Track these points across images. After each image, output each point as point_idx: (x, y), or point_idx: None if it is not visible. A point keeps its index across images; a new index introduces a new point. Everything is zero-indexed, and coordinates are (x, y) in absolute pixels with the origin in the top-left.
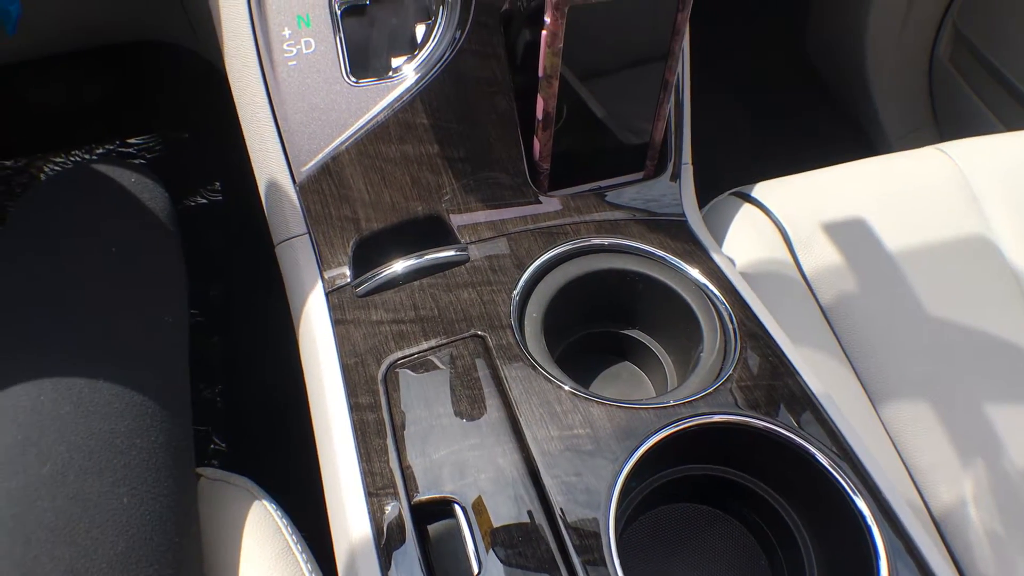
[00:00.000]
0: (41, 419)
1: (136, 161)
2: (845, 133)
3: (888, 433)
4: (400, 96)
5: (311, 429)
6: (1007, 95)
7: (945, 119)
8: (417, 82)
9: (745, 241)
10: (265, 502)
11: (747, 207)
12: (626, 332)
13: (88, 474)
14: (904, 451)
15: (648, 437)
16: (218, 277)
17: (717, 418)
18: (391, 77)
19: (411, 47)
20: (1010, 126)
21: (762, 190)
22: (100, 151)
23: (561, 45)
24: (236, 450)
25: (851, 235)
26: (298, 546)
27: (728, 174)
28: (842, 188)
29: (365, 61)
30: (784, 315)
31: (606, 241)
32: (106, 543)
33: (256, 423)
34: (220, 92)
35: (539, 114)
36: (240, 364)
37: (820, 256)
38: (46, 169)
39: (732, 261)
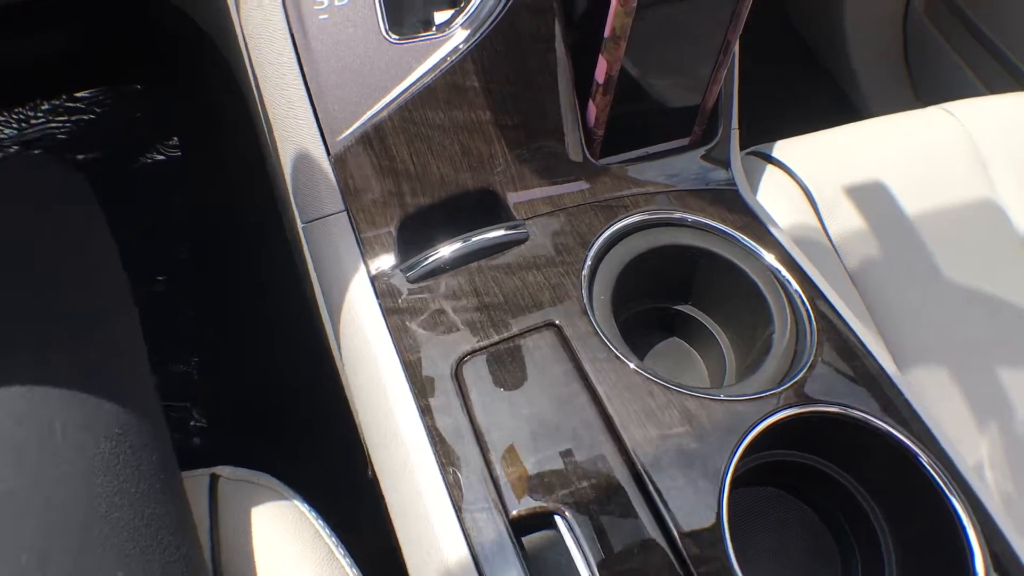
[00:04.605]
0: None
1: (35, 152)
2: (825, 92)
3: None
4: (448, 55)
5: (339, 426)
6: (981, 47)
7: (920, 73)
8: (467, 40)
9: (773, 204)
10: (296, 502)
11: (771, 169)
12: (678, 308)
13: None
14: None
15: (748, 432)
16: (185, 237)
17: (825, 408)
18: (437, 35)
19: (453, 1)
20: (983, 78)
21: (781, 150)
22: (46, 107)
23: (635, 4)
24: (240, 447)
25: (871, 199)
26: (340, 549)
27: None
28: (859, 148)
29: (402, 15)
30: None
31: (674, 214)
32: None
33: (251, 413)
34: (180, 41)
35: (600, 77)
36: (222, 338)
37: (845, 220)
38: None
39: None
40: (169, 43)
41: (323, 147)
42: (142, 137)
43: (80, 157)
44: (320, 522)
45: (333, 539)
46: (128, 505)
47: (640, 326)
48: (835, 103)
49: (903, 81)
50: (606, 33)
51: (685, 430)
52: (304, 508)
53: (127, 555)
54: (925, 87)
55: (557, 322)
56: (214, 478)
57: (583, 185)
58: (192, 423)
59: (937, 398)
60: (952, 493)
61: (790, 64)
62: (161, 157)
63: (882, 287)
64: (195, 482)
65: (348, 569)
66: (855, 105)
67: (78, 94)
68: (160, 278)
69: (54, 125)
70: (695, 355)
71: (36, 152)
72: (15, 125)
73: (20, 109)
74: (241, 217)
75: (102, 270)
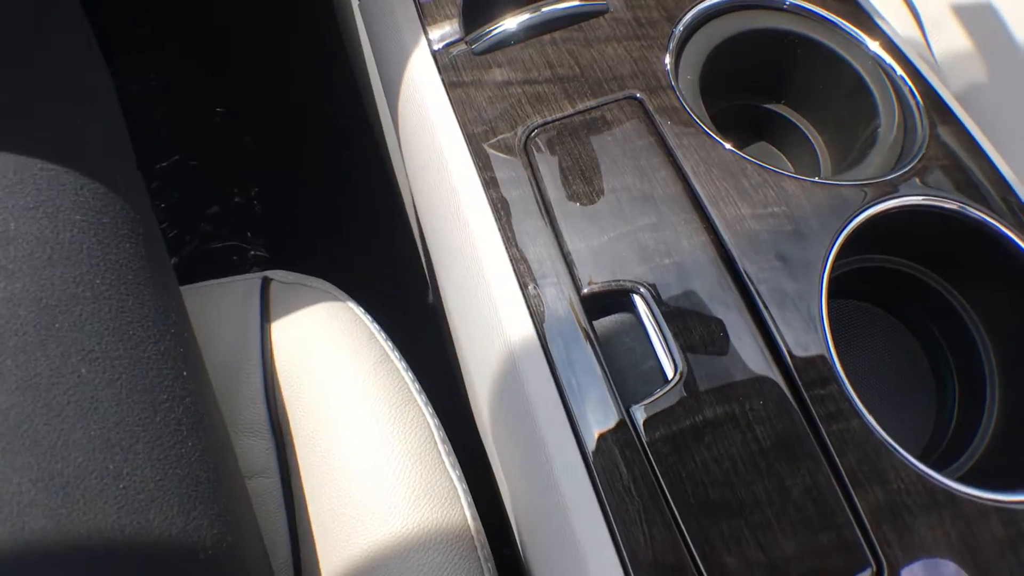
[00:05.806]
0: None
1: None
2: None
3: None
4: None
5: (404, 248)
6: None
7: None
8: None
9: None
10: (351, 305)
11: None
12: (769, 106)
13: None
14: None
15: (855, 215)
16: (241, 66)
17: (942, 203)
18: None
19: None
20: None
21: None
22: None
23: None
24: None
25: (982, 18)
26: (395, 353)
27: None
28: None
29: None
30: None
31: None
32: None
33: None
34: None
35: None
36: (283, 164)
37: (951, 39)
38: None
39: None
40: None
41: None
42: None
43: None
44: (375, 325)
45: (389, 343)
46: (92, 299)
47: (725, 126)
48: None
49: None
50: None
51: (782, 210)
52: (359, 311)
53: (90, 351)
54: None
55: (639, 95)
56: (266, 281)
57: None
58: (252, 252)
59: None
60: None
61: None
62: None
63: (991, 114)
64: (246, 284)
65: (404, 373)
66: None
67: None
68: (219, 110)
69: None
70: (786, 161)
71: None
72: None
73: None
74: (298, 34)
75: (80, 60)
